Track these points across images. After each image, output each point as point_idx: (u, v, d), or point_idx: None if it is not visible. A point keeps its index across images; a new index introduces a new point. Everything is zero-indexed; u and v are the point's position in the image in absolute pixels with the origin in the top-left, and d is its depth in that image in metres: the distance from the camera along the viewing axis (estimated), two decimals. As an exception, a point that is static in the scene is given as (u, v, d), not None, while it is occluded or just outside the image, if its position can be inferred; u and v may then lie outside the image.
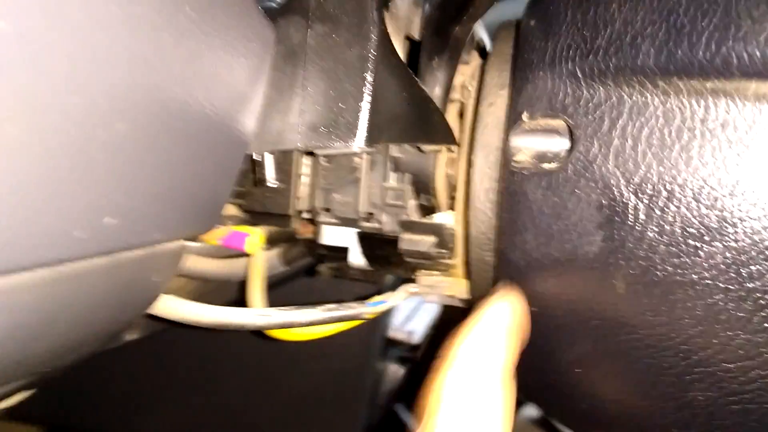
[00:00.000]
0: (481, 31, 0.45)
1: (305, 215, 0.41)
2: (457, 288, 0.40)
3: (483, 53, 0.42)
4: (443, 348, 0.30)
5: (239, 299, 0.46)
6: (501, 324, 0.30)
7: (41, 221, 0.19)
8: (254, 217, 0.42)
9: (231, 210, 0.43)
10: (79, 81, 0.17)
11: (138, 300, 0.29)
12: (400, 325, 0.83)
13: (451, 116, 0.40)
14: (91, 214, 0.21)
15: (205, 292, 0.55)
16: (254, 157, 0.35)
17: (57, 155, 0.18)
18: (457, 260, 0.39)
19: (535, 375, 0.34)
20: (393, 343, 0.84)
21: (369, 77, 0.30)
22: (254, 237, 0.46)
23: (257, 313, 0.35)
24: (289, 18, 0.31)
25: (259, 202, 0.40)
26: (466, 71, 0.40)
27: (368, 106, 0.30)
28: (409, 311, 0.87)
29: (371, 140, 0.31)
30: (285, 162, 0.38)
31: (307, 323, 0.36)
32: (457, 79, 0.39)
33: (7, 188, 0.17)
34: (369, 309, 0.37)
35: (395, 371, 0.85)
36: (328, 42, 0.31)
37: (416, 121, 0.33)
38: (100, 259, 0.23)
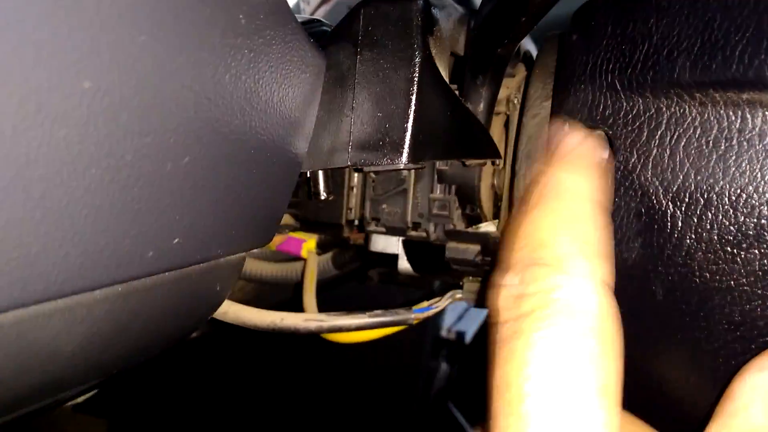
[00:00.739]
0: (527, 43, 0.46)
1: (356, 224, 0.43)
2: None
3: (530, 64, 0.43)
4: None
5: (294, 299, 0.49)
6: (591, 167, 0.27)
7: (119, 246, 0.21)
8: (307, 225, 0.45)
9: (285, 219, 0.45)
10: (150, 124, 0.20)
11: (203, 307, 0.32)
12: (451, 325, 0.84)
13: (497, 129, 0.41)
14: (162, 237, 0.23)
15: (263, 293, 0.57)
16: (307, 174, 0.37)
17: (132, 189, 0.20)
18: (503, 267, 0.40)
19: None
20: (444, 342, 0.85)
21: (414, 99, 0.32)
22: (310, 243, 0.48)
23: (309, 318, 0.38)
24: (339, 45, 0.33)
25: (312, 212, 0.42)
26: (512, 84, 0.41)
27: (413, 125, 0.32)
28: (460, 311, 0.88)
29: (416, 158, 0.32)
30: (337, 175, 0.41)
31: (355, 328, 0.38)
32: (503, 93, 0.41)
33: (91, 219, 0.19)
34: (414, 315, 0.39)
35: (446, 370, 0.86)
36: (375, 66, 0.32)
37: (460, 138, 0.35)
38: (168, 274, 0.25)
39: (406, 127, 0.32)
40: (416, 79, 0.32)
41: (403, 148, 0.32)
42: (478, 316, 0.84)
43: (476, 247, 0.40)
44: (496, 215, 0.40)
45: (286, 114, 0.28)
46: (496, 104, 0.40)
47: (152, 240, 0.22)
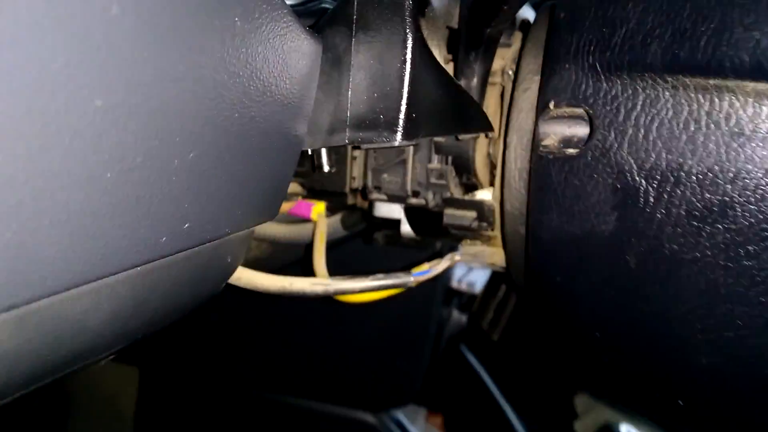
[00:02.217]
0: (526, 10, 0.47)
1: (359, 191, 0.45)
2: (498, 256, 0.43)
3: (527, 32, 0.44)
4: None
5: (306, 257, 0.52)
6: None
7: (135, 235, 0.24)
8: (314, 193, 0.47)
9: (294, 187, 0.48)
10: (156, 128, 0.22)
11: (216, 278, 0.35)
12: (461, 276, 0.87)
13: (493, 99, 0.42)
14: (173, 223, 0.26)
15: (278, 251, 0.61)
16: (309, 152, 0.39)
17: (144, 186, 0.23)
18: (497, 232, 0.43)
19: (562, 337, 0.38)
20: (455, 292, 0.89)
21: (406, 80, 0.34)
22: (319, 206, 0.51)
23: (316, 283, 0.41)
24: (335, 28, 0.35)
25: (318, 181, 0.45)
26: (507, 55, 0.43)
27: (406, 105, 0.34)
28: (472, 262, 0.91)
29: (410, 135, 0.34)
30: (339, 147, 0.43)
31: (359, 290, 0.41)
32: (498, 64, 0.42)
33: (109, 215, 0.22)
34: (414, 278, 0.42)
35: (458, 318, 0.90)
36: (370, 49, 0.34)
37: (452, 114, 0.37)
38: (182, 253, 0.28)
39: (400, 107, 0.34)
40: (408, 60, 0.34)
41: (398, 127, 0.34)
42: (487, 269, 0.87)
43: (472, 214, 0.42)
44: (492, 181, 0.43)
45: (284, 100, 0.31)
46: (492, 75, 0.42)
47: (165, 227, 0.25)
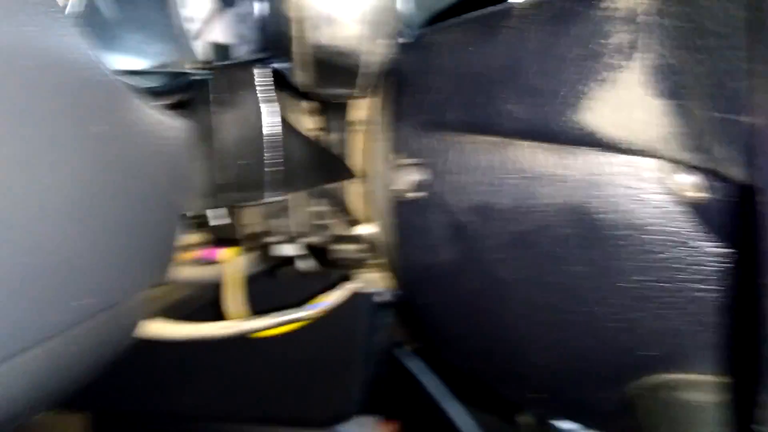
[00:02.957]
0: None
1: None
2: (389, 281, 0.49)
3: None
4: None
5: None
6: None
7: (30, 320, 0.29)
8: (215, 241, 0.52)
9: (196, 238, 0.53)
10: (42, 236, 0.27)
11: (118, 339, 0.39)
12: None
13: (361, 144, 0.48)
14: (62, 304, 0.31)
15: (199, 292, 0.65)
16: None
17: (36, 283, 0.28)
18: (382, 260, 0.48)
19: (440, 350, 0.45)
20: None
21: (267, 147, 0.39)
22: (228, 250, 0.56)
23: (221, 326, 0.46)
24: (201, 104, 0.40)
25: (215, 231, 0.50)
26: (368, 104, 0.48)
27: (270, 167, 0.39)
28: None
29: (279, 193, 0.40)
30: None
31: (262, 329, 0.46)
32: (362, 113, 0.48)
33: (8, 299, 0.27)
34: (311, 312, 0.47)
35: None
36: (231, 122, 0.40)
37: (316, 168, 0.42)
38: (83, 323, 0.33)
39: (263, 171, 0.40)
40: (266, 131, 0.40)
41: (263, 189, 0.40)
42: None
43: (354, 247, 0.48)
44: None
45: (159, 177, 0.36)
46: (358, 124, 0.48)
47: (53, 310, 0.30)
